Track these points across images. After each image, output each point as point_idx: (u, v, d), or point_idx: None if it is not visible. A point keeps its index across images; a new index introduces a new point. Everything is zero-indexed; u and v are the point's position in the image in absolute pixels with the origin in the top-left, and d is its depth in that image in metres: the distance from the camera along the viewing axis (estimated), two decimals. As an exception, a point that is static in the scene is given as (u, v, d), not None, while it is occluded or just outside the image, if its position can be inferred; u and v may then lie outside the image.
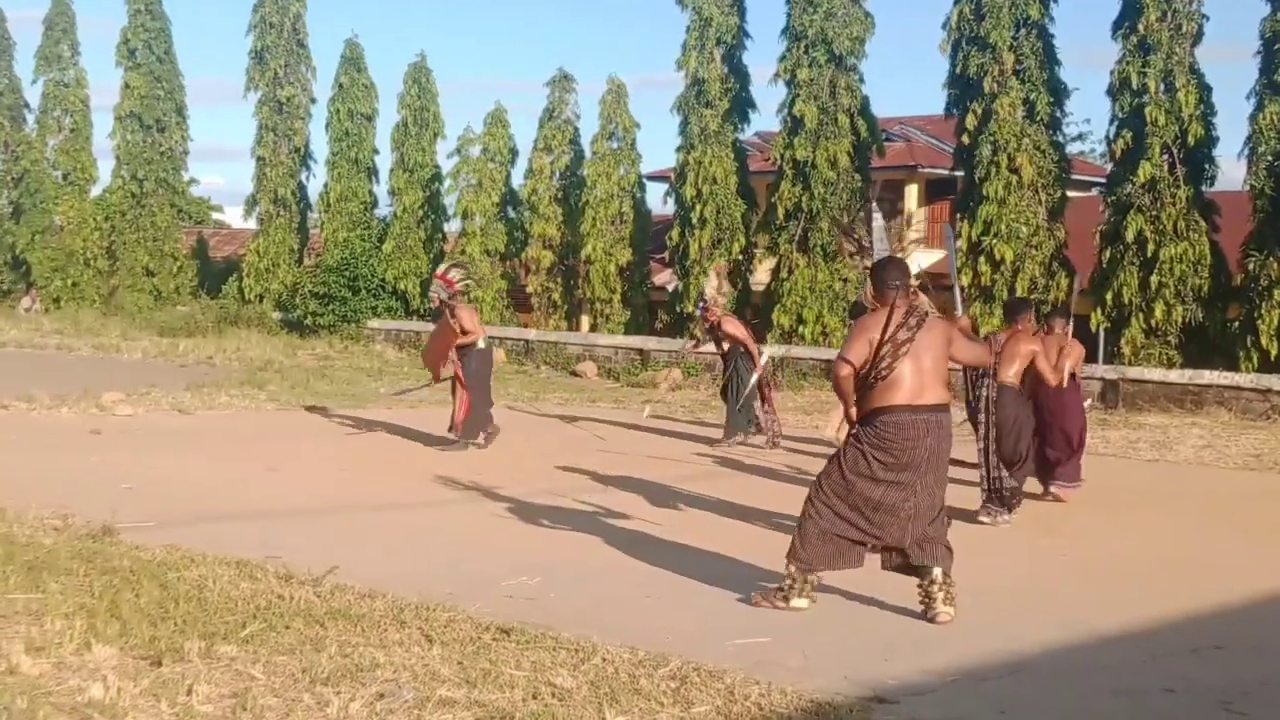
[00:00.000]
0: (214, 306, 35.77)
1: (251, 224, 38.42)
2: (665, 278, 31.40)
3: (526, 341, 29.67)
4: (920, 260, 34.87)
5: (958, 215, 25.33)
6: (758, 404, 15.63)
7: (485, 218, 32.09)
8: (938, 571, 7.39)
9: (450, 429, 15.01)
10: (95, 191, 41.26)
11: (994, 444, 10.89)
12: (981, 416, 11.13)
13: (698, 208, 27.81)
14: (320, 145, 36.40)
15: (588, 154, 30.73)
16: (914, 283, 7.86)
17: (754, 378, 15.50)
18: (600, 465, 13.62)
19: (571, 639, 6.50)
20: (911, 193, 36.68)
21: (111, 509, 9.44)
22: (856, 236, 25.39)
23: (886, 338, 7.28)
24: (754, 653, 6.56)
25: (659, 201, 31.61)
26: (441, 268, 16.23)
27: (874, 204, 20.74)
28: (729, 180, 27.91)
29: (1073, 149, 45.70)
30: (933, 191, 35.85)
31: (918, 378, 7.34)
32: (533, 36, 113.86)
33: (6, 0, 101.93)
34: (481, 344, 15.34)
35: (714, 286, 16.10)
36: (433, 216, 33.95)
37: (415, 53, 38.30)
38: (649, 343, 27.71)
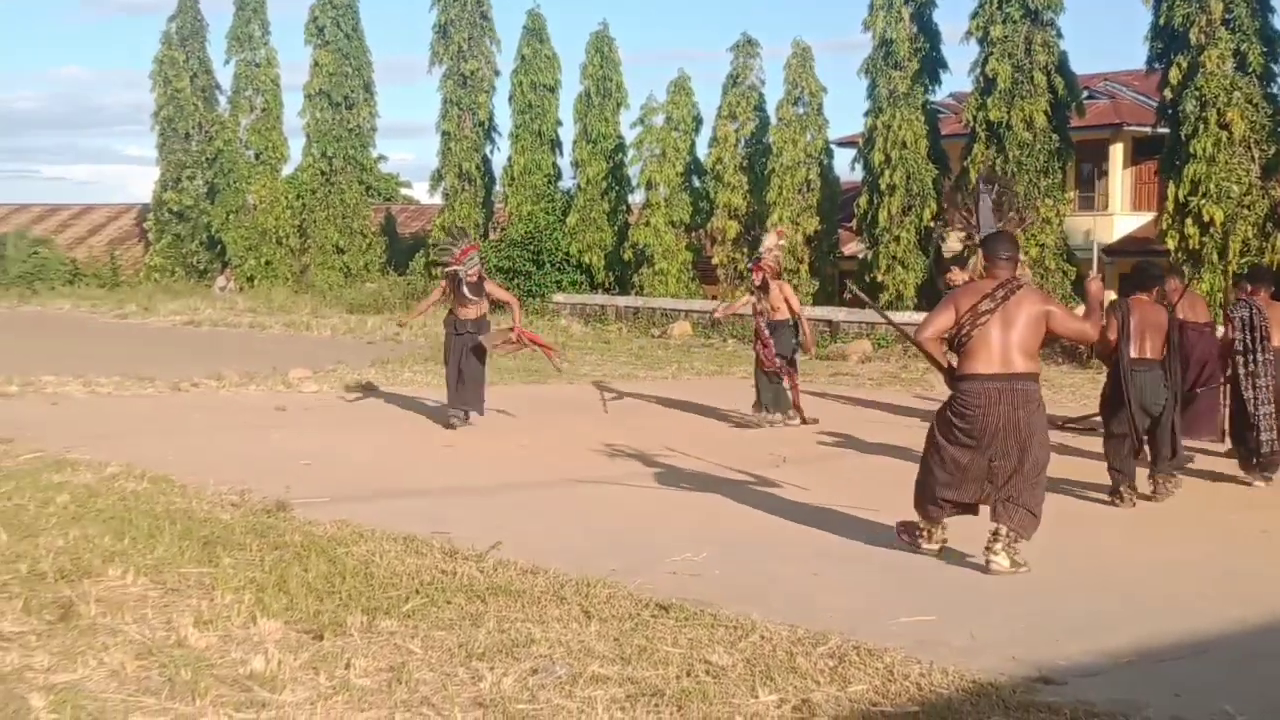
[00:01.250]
0: (401, 283, 36.67)
1: (438, 199, 39.21)
2: (855, 246, 31.11)
3: (712, 314, 29.69)
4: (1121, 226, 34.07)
5: (1163, 175, 24.59)
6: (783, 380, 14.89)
7: (670, 188, 32.21)
8: (1003, 528, 7.78)
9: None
10: (286, 170, 42.52)
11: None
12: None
13: (886, 173, 27.53)
14: (504, 118, 37.09)
15: (773, 120, 30.62)
16: (1022, 257, 8.39)
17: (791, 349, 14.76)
18: (777, 440, 13.61)
19: (731, 616, 6.51)
20: (1116, 153, 35.63)
21: (286, 485, 9.79)
22: (965, 213, 24.91)
23: (969, 308, 7.76)
24: (919, 631, 6.50)
25: (847, 168, 31.31)
26: (462, 245, 14.93)
27: (983, 184, 20.23)
28: (919, 144, 27.54)
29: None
30: (1140, 151, 34.68)
31: (998, 348, 7.71)
32: (716, 2, 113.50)
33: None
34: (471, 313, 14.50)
35: (773, 241, 15.51)
36: (617, 188, 34.24)
37: (598, 22, 38.69)
38: (838, 314, 27.49)
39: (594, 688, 5.48)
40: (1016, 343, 7.72)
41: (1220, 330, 12.26)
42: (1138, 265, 11.65)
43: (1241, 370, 11.25)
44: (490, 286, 15.10)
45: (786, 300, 14.94)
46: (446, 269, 14.91)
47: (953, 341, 7.91)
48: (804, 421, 14.91)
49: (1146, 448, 10.50)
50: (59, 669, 5.54)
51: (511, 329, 14.98)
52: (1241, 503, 10.69)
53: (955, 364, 7.94)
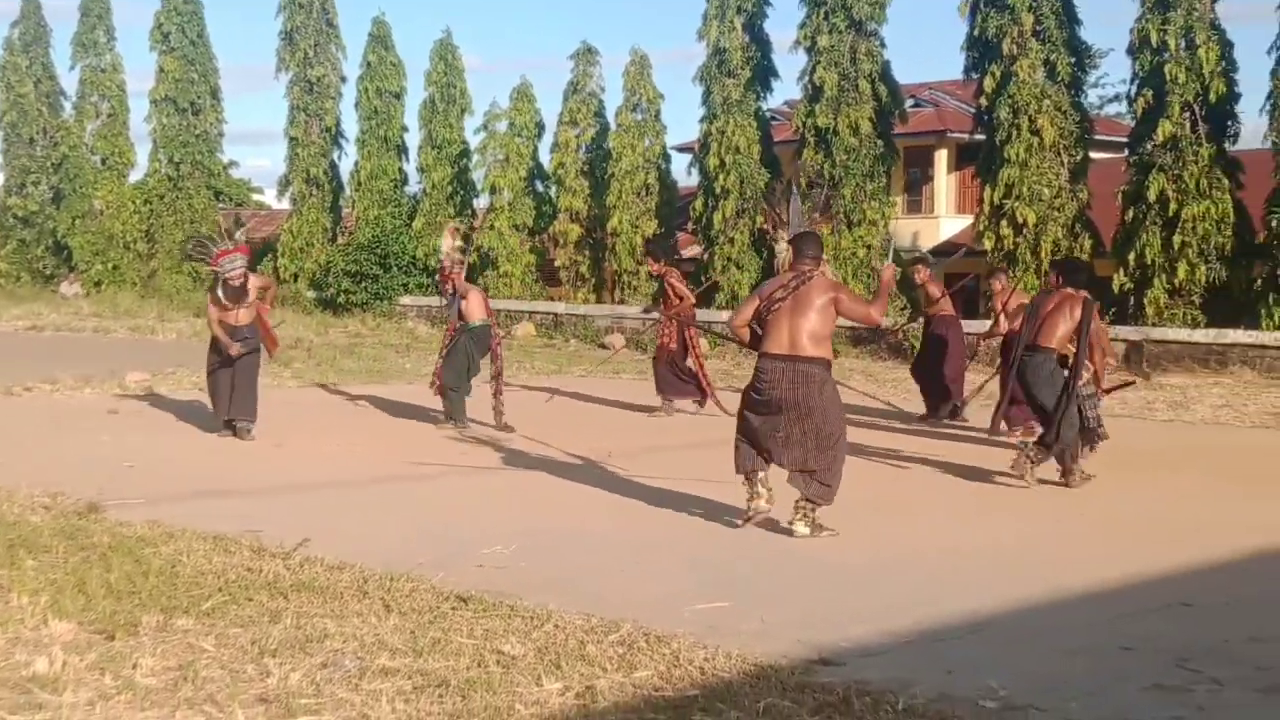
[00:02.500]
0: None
1: (286, 204, 38.59)
2: (692, 249, 31.28)
3: (555, 315, 29.71)
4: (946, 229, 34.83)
5: (981, 179, 25.10)
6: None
7: (513, 192, 32.03)
8: (800, 499, 8.53)
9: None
10: (134, 176, 41.52)
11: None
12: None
13: (721, 178, 27.70)
14: (351, 124, 36.56)
15: (613, 126, 30.57)
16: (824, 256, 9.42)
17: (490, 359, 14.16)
18: (601, 435, 13.60)
19: (528, 607, 6.49)
20: (941, 158, 36.40)
21: (99, 487, 9.53)
22: (778, 214, 25.52)
23: (767, 295, 8.63)
24: (712, 617, 6.53)
25: (684, 173, 31.48)
26: (228, 244, 13.54)
27: (794, 187, 20.90)
28: (752, 149, 27.75)
29: (1111, 110, 45.36)
30: (964, 157, 35.40)
31: (786, 332, 8.43)
32: (556, 11, 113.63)
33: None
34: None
35: (450, 245, 14.41)
36: (462, 192, 34.01)
37: (441, 29, 38.29)
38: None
39: (381, 680, 5.41)
40: (804, 328, 8.40)
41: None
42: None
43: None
44: (254, 283, 13.52)
45: (479, 306, 14.08)
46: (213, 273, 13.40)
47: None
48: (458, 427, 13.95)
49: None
50: None
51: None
52: (1039, 488, 10.91)
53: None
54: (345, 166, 36.94)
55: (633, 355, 25.70)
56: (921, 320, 16.39)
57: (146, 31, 39.56)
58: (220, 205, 43.31)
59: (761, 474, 8.65)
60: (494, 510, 9.58)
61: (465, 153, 33.84)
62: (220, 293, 13.04)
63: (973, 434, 13.94)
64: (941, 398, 15.23)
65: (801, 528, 8.49)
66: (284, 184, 37.29)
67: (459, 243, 14.70)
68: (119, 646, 5.80)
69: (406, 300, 32.55)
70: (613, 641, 5.97)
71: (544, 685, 5.39)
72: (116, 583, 6.85)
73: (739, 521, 8.80)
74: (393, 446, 12.99)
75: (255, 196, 58.54)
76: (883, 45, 26.68)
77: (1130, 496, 10.62)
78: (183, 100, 39.17)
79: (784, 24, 76.41)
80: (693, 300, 15.92)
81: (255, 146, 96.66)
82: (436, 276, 14.62)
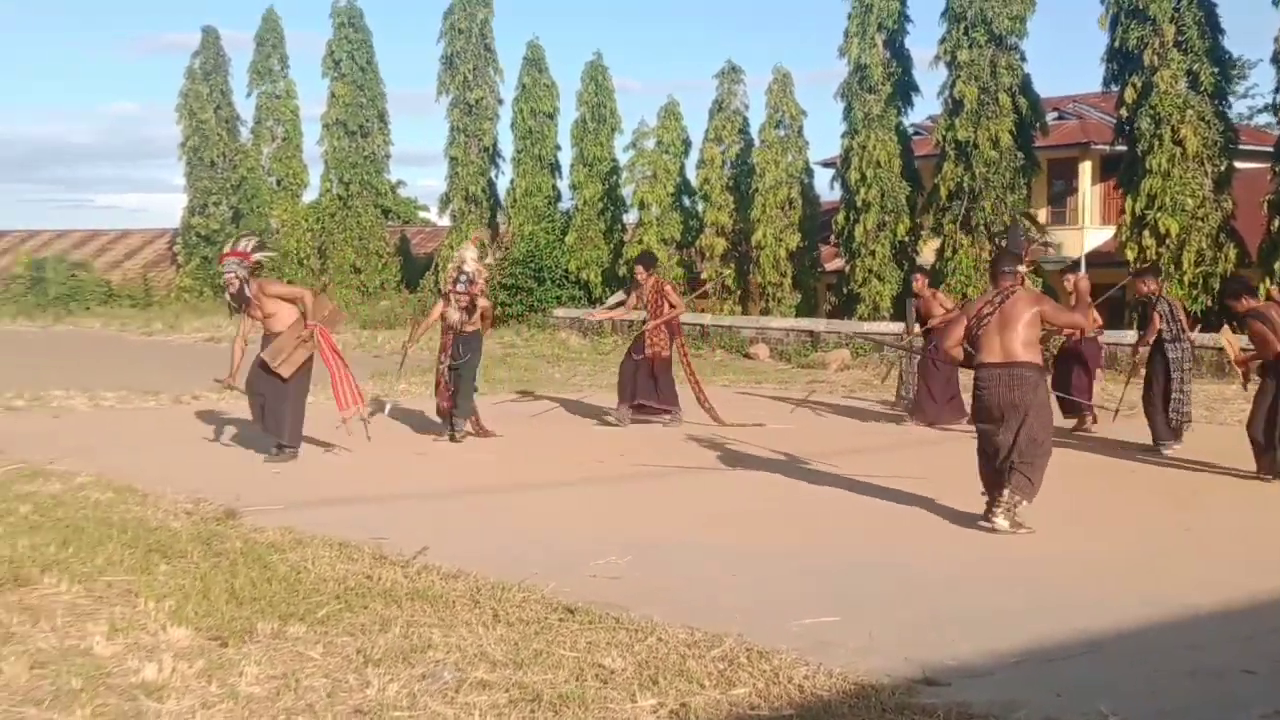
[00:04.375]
0: (412, 300, 36.48)
1: (447, 221, 39.06)
2: (835, 262, 30.85)
3: (702, 326, 29.46)
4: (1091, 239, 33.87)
5: (1123, 190, 24.28)
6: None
7: (661, 208, 31.96)
8: (1007, 491, 8.71)
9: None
10: (307, 196, 42.36)
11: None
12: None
13: (862, 191, 27.24)
14: (507, 144, 36.84)
15: (756, 143, 30.33)
16: (1021, 269, 9.64)
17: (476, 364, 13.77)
18: (733, 445, 13.33)
19: (634, 619, 6.26)
20: (1085, 170, 35.34)
21: (239, 494, 9.56)
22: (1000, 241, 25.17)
23: (975, 313, 9.03)
24: (818, 632, 6.23)
25: (826, 187, 31.06)
26: (228, 246, 12.92)
27: (1016, 218, 20.56)
28: (893, 163, 27.26)
29: (1261, 120, 43.67)
30: (1107, 168, 34.30)
31: (999, 342, 8.79)
32: (702, 32, 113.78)
33: (220, 19, 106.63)
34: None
35: (475, 257, 13.72)
36: (612, 208, 34.03)
37: (592, 52, 38.30)
38: (819, 325, 27.23)
39: (477, 693, 5.23)
40: (1014, 337, 8.78)
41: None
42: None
43: (1171, 354, 12.74)
44: (272, 289, 12.53)
45: (485, 318, 13.87)
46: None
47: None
48: (454, 439, 13.50)
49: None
50: (-46, 679, 5.31)
51: (305, 326, 12.25)
52: (1169, 499, 10.39)
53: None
54: (501, 184, 37.31)
55: (776, 365, 25.41)
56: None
57: (318, 59, 40.41)
58: (388, 223, 44.00)
59: (999, 493, 8.80)
60: (613, 520, 9.38)
61: (615, 170, 33.87)
62: (232, 300, 12.58)
63: (1094, 442, 13.40)
64: (1076, 408, 14.60)
65: (1001, 521, 8.70)
66: (444, 202, 37.80)
67: (487, 256, 14.14)
68: (230, 654, 5.71)
69: (559, 312, 32.62)
70: (714, 657, 5.71)
71: (638, 702, 5.16)
72: (240, 589, 6.79)
73: (984, 525, 8.85)
74: (533, 454, 12.89)
75: (421, 214, 59.48)
76: (1023, 59, 25.98)
77: (1268, 511, 10.03)
78: (352, 123, 39.84)
79: (924, 40, 75.59)
80: (683, 310, 15.71)
81: (420, 167, 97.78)
82: (461, 286, 13.39)
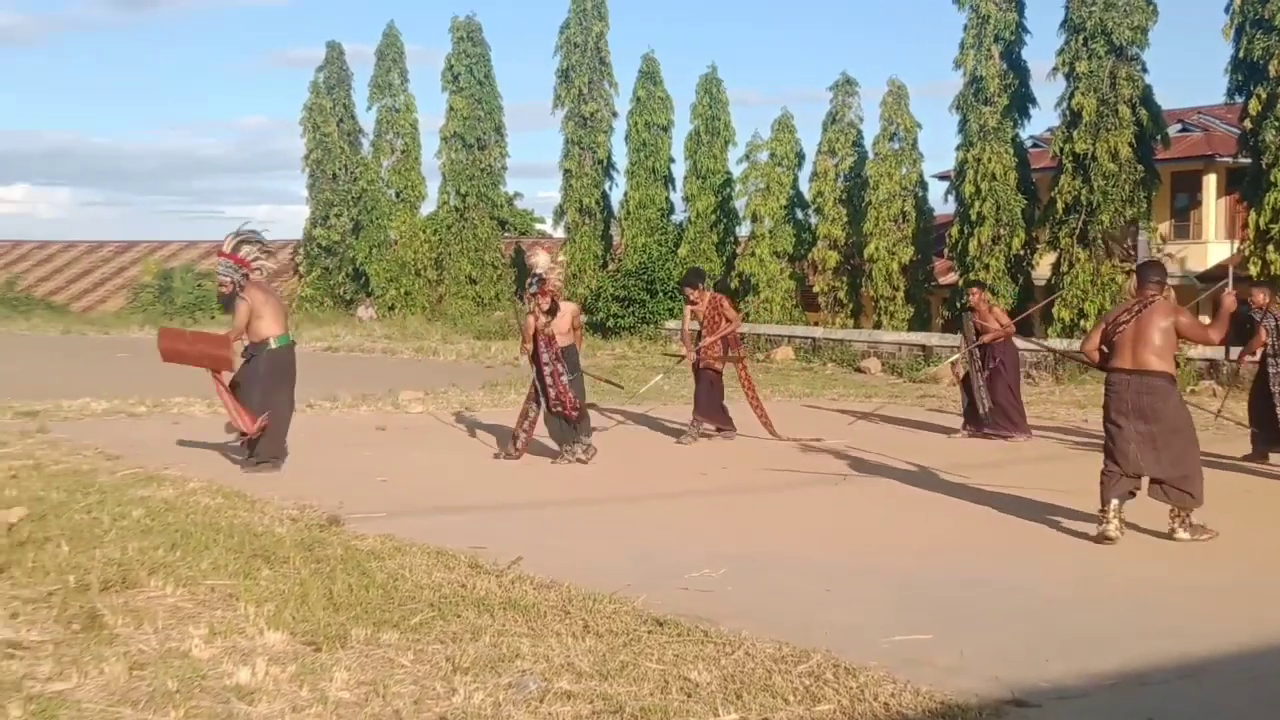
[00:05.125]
0: (524, 311, 36.76)
1: (562, 233, 39.40)
2: (949, 275, 30.52)
3: (813, 339, 29.32)
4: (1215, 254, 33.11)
5: (1247, 203, 23.66)
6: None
7: (773, 220, 31.90)
8: (1171, 508, 9.04)
9: (242, 442, 12.04)
10: (425, 208, 42.98)
11: None
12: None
13: (976, 204, 26.92)
14: (621, 156, 37.06)
15: (870, 155, 30.16)
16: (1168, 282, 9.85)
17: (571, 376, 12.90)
18: (837, 459, 13.25)
19: (722, 633, 6.23)
20: (1209, 183, 34.53)
21: (342, 501, 9.71)
22: (1125, 246, 24.52)
23: (1112, 319, 9.26)
24: (909, 650, 6.15)
25: (941, 200, 30.74)
26: (227, 244, 12.29)
27: (1140, 225, 20.25)
28: (1008, 176, 26.89)
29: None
30: (1233, 181, 33.47)
31: (1130, 350, 9.00)
32: (816, 45, 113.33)
33: (343, 34, 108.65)
34: (274, 343, 12.02)
35: (546, 259, 13.22)
36: (724, 220, 34.04)
37: (707, 65, 38.43)
38: (932, 338, 26.94)
39: (560, 704, 5.24)
40: (1147, 346, 8.96)
41: None
42: None
43: (1271, 369, 13.07)
44: (239, 305, 11.98)
45: (575, 323, 13.15)
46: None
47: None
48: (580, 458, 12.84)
49: None
50: (57, 679, 5.44)
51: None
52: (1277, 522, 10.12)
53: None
54: (615, 196, 37.54)
55: (888, 379, 25.17)
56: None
57: (437, 73, 41.04)
58: (504, 235, 44.44)
59: (1115, 502, 8.95)
60: (710, 532, 9.36)
61: (728, 182, 33.88)
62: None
63: (1226, 462, 13.08)
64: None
65: (1182, 533, 8.99)
66: (559, 214, 38.13)
67: (562, 257, 13.57)
68: (323, 658, 5.79)
69: (671, 324, 32.62)
70: (800, 672, 5.67)
71: (720, 716, 5.13)
72: (338, 595, 6.88)
73: (1096, 536, 8.97)
74: (633, 464, 12.91)
75: (538, 226, 60.01)
76: (1144, 70, 25.47)
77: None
78: (470, 136, 40.37)
79: (1042, 51, 74.38)
80: (739, 324, 15.41)
81: (537, 180, 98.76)
82: (533, 288, 12.91)
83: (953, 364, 17.50)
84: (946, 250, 29.37)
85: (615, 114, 37.39)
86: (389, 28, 42.76)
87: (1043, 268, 27.54)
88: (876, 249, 29.20)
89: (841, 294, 30.85)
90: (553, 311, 12.83)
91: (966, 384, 15.47)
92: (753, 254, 31.93)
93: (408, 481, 11.53)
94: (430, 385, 20.87)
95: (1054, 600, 7.36)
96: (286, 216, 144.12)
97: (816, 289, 31.27)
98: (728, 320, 14.76)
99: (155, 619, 6.39)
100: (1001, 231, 26.85)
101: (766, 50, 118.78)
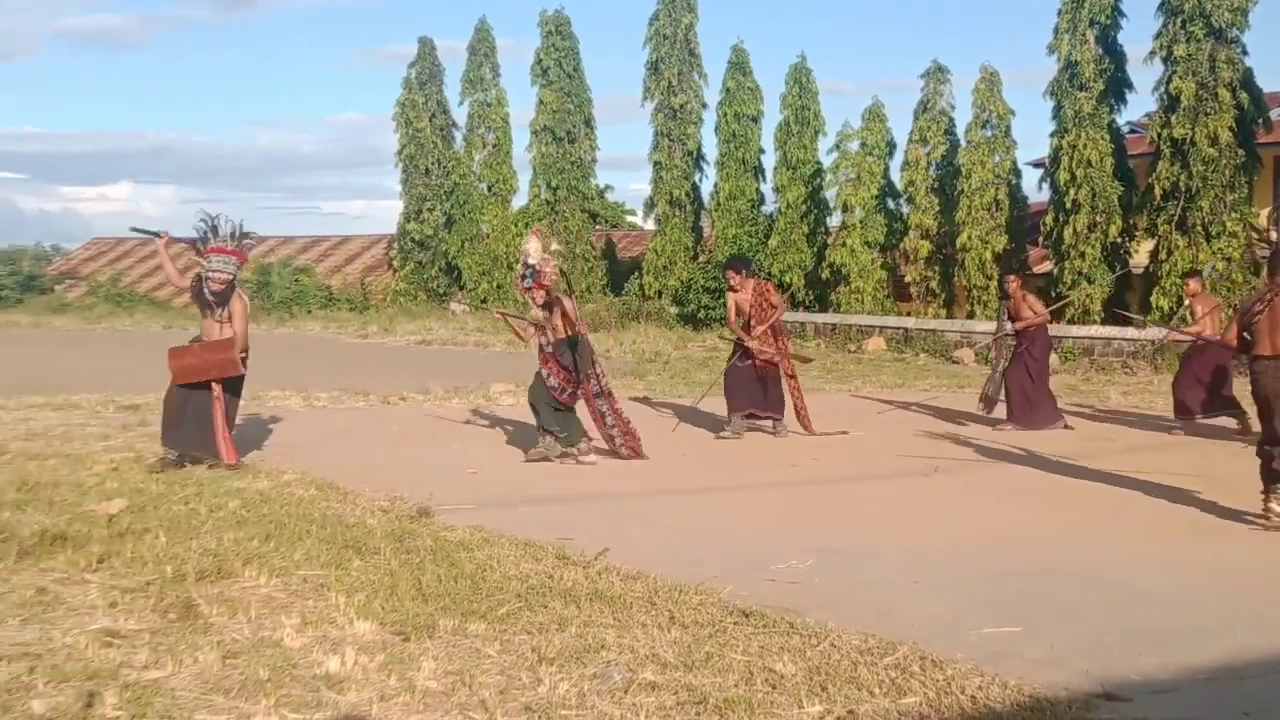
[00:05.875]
0: (617, 303, 36.89)
1: (652, 225, 39.43)
2: (1044, 264, 30.08)
3: (905, 330, 29.08)
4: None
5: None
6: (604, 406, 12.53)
7: (864, 210, 31.64)
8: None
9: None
10: (516, 202, 43.18)
11: None
12: None
13: (1072, 192, 26.49)
14: (710, 148, 37.00)
15: (962, 143, 29.79)
16: None
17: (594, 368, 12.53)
18: (934, 448, 13.13)
19: (808, 624, 6.20)
20: (1314, 168, 33.68)
21: (432, 492, 9.80)
22: (1265, 235, 23.99)
23: (1248, 310, 9.42)
24: (997, 643, 6.08)
25: (1035, 188, 30.31)
26: (226, 238, 11.87)
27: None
28: (1104, 163, 26.43)
29: None
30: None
31: (1266, 336, 9.21)
32: (907, 32, 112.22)
33: (435, 30, 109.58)
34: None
35: (538, 249, 12.37)
36: (815, 211, 33.81)
37: (796, 54, 38.13)
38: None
39: (645, 694, 5.26)
40: None
41: None
42: None
43: None
44: (235, 305, 11.81)
45: (567, 316, 12.36)
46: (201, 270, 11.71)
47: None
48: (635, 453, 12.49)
49: None
50: (153, 667, 5.56)
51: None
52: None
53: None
54: (705, 188, 37.46)
55: (980, 369, 24.88)
56: None
57: (527, 67, 41.16)
58: (595, 227, 44.56)
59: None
60: (798, 523, 9.32)
61: (818, 172, 33.65)
62: (198, 293, 11.68)
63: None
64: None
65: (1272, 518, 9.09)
66: (649, 206, 38.14)
67: (554, 245, 12.79)
68: (411, 648, 5.86)
69: (762, 315, 32.53)
70: (887, 664, 5.63)
71: (805, 708, 5.12)
72: (427, 585, 6.96)
73: (1257, 523, 9.12)
74: (718, 458, 12.89)
75: (629, 218, 60.08)
76: (1244, 52, 24.93)
77: None
78: (559, 130, 40.49)
79: (1139, 35, 73.04)
80: (783, 311, 14.81)
81: (628, 171, 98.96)
82: (526, 282, 12.30)
83: (986, 349, 17.46)
84: (1041, 238, 28.97)
85: (705, 105, 37.34)
86: (480, 23, 43.03)
87: (1140, 255, 27.06)
88: (969, 238, 28.86)
89: (934, 284, 30.52)
90: (549, 305, 12.39)
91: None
92: (843, 244, 31.71)
93: (497, 473, 11.60)
94: (522, 378, 20.91)
95: (1148, 592, 7.23)
96: (380, 212, 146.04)
97: (908, 279, 30.97)
98: (773, 307, 14.24)
99: (249, 609, 6.50)
100: (1098, 219, 26.41)
101: (857, 39, 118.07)
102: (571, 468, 12.03)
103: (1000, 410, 15.54)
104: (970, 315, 29.11)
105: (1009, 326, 15.50)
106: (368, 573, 7.29)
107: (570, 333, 12.31)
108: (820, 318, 31.49)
